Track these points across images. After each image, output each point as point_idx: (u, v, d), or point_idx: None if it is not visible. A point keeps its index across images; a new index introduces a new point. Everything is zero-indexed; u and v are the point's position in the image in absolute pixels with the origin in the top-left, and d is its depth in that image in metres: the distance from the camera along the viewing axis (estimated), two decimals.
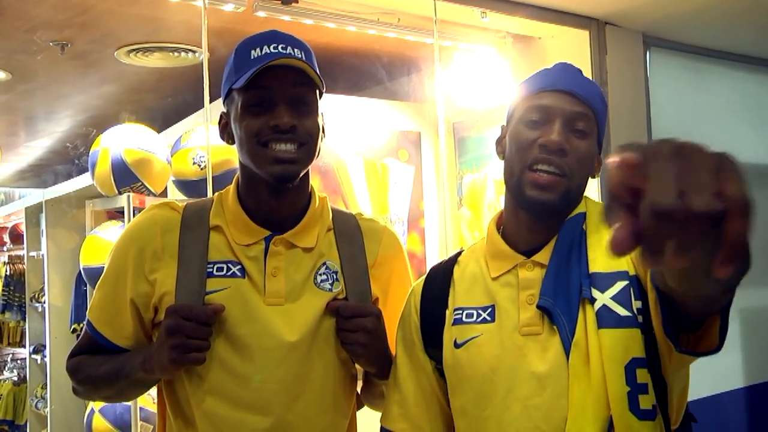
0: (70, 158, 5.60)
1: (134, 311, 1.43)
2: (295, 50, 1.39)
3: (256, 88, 1.36)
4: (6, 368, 6.11)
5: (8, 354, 6.12)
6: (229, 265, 1.41)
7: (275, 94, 1.36)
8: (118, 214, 3.25)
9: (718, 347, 1.09)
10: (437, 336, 1.41)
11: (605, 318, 1.22)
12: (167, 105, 4.14)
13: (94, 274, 2.82)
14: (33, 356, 5.11)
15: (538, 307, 1.28)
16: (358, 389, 1.58)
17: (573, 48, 3.23)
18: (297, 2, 2.82)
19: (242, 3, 2.72)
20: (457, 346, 1.36)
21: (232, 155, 2.86)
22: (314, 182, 1.52)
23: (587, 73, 3.16)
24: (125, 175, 2.86)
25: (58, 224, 4.54)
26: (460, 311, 1.38)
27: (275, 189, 1.42)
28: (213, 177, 2.67)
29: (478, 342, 1.33)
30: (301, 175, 1.42)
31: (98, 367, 1.47)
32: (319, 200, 1.51)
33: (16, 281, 5.66)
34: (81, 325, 4.08)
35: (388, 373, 1.48)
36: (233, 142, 1.44)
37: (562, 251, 1.31)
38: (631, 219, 0.63)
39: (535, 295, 1.30)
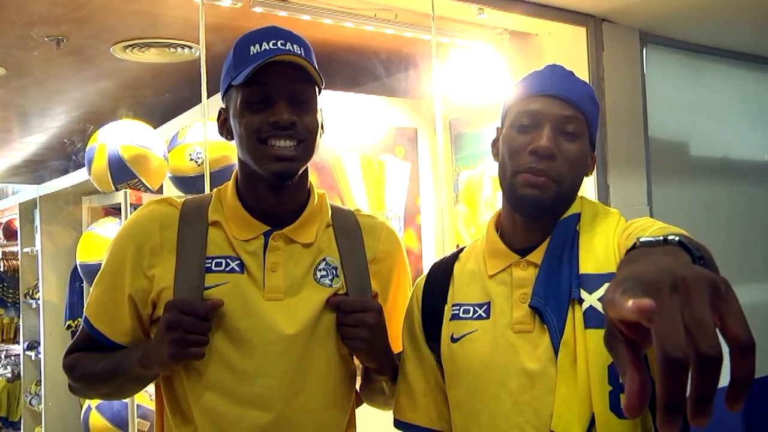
0: (64, 154, 5.59)
1: (132, 307, 1.43)
2: (295, 46, 1.38)
3: (255, 84, 1.35)
4: (0, 365, 6.09)
5: (2, 350, 6.10)
6: (228, 260, 1.41)
7: (274, 90, 1.36)
8: (113, 211, 3.24)
9: None
10: (437, 330, 1.45)
11: (591, 318, 1.26)
12: (163, 101, 4.13)
13: (91, 270, 2.81)
14: (27, 353, 5.10)
15: (530, 306, 1.33)
16: (357, 387, 1.59)
17: (570, 45, 3.23)
18: None
19: None
20: (453, 340, 1.41)
21: (229, 151, 2.86)
22: (311, 178, 1.52)
23: (584, 69, 3.17)
24: (122, 172, 2.85)
25: (52, 220, 4.52)
26: (458, 307, 1.43)
27: (274, 186, 1.42)
28: (210, 173, 2.66)
29: (473, 337, 1.38)
30: (301, 171, 1.42)
31: (95, 364, 1.46)
32: (318, 196, 1.51)
33: (10, 278, 5.65)
34: (76, 321, 4.08)
35: (388, 368, 1.51)
36: (232, 138, 1.44)
37: (555, 251, 1.35)
38: (638, 370, 0.68)
39: (528, 293, 1.34)
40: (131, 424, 2.75)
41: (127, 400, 2.78)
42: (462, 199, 3.66)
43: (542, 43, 3.36)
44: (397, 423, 1.51)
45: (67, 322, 4.03)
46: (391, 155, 3.51)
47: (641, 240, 0.93)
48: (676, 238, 0.91)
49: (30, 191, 5.05)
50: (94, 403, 2.90)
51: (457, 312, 1.42)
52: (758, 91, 4.04)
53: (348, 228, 1.53)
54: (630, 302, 0.67)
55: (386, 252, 1.55)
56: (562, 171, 1.33)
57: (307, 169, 1.45)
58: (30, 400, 5.10)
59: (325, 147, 3.45)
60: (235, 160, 2.82)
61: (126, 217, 2.81)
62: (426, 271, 1.59)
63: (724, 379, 0.65)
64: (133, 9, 2.94)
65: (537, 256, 1.37)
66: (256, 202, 1.45)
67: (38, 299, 4.64)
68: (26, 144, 5.59)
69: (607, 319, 0.73)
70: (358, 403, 1.62)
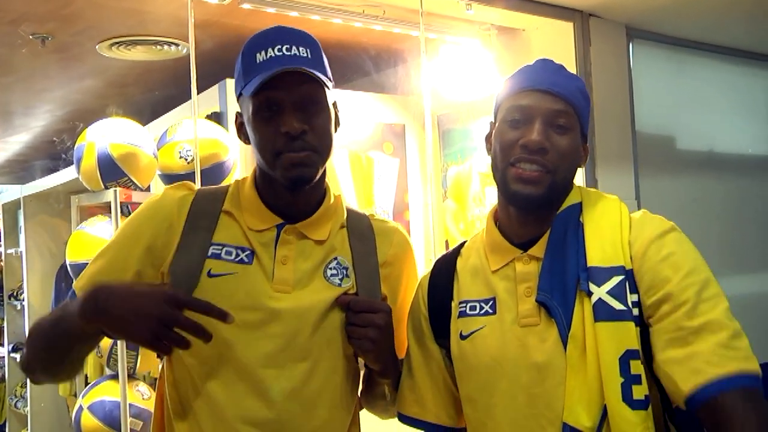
0: (49, 153, 5.54)
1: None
2: (300, 49, 1.39)
3: (264, 93, 1.37)
4: None
5: None
6: (239, 250, 1.42)
7: (283, 98, 1.37)
8: (97, 210, 3.22)
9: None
10: (445, 326, 1.47)
11: (601, 311, 1.28)
12: (151, 98, 4.10)
13: (82, 269, 2.78)
14: (12, 355, 5.05)
15: (536, 301, 1.35)
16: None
17: (557, 40, 3.24)
18: None
19: None
20: (462, 338, 1.43)
21: (219, 149, 2.85)
22: None
23: (571, 64, 3.18)
24: (111, 170, 2.82)
25: (36, 221, 4.49)
26: (465, 304, 1.45)
27: (291, 189, 1.44)
28: (201, 171, 2.65)
29: (482, 334, 1.40)
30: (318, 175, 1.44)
31: (43, 327, 1.41)
32: (334, 197, 1.53)
33: None
34: None
35: (392, 371, 1.52)
36: (249, 143, 1.46)
37: (557, 244, 1.37)
38: None
39: (532, 287, 1.37)
40: (124, 424, 2.73)
41: (119, 399, 2.76)
42: (450, 195, 3.66)
43: (530, 38, 3.37)
44: (402, 417, 1.53)
45: None
46: (379, 151, 3.51)
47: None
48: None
49: (14, 191, 5.01)
50: (86, 402, 2.87)
51: (464, 309, 1.44)
52: (744, 85, 4.07)
53: (362, 230, 1.54)
54: None
55: (397, 256, 1.57)
56: (555, 162, 1.35)
57: (324, 169, 1.47)
58: (15, 402, 5.06)
59: None
60: (224, 158, 2.83)
61: (116, 216, 2.79)
62: (419, 267, 1.62)
63: None
64: (119, 6, 2.92)
65: (539, 249, 1.39)
66: (273, 197, 1.46)
67: (23, 300, 4.60)
68: (9, 144, 5.53)
69: None
70: (360, 407, 1.62)
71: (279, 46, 1.38)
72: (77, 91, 4.10)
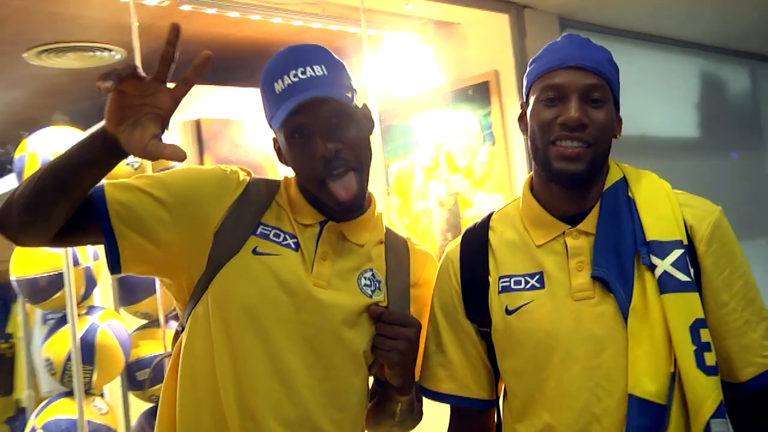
0: None
1: (170, 227, 1.37)
2: (315, 68, 1.39)
3: (290, 121, 1.38)
4: None
5: None
6: (287, 235, 1.44)
7: (310, 123, 1.38)
8: None
9: None
10: (480, 302, 1.48)
11: (668, 283, 1.33)
12: (89, 106, 3.98)
13: (31, 284, 2.66)
14: None
15: (593, 277, 1.37)
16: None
17: (493, 32, 3.30)
18: None
19: None
20: (509, 312, 1.44)
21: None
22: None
23: (508, 56, 3.23)
24: None
25: None
26: (507, 278, 1.46)
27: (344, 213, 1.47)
28: None
29: (531, 308, 1.42)
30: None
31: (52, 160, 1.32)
32: (376, 212, 1.55)
33: None
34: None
35: (409, 389, 1.51)
36: (290, 165, 1.47)
37: (609, 220, 1.41)
38: None
39: (584, 261, 1.40)
40: None
41: (75, 417, 2.67)
42: (393, 190, 3.69)
43: (466, 31, 3.42)
44: (431, 394, 1.53)
45: None
46: None
47: None
48: None
49: None
50: (39, 423, 2.76)
51: (508, 284, 1.45)
52: (672, 71, 4.22)
53: (398, 249, 1.56)
54: None
55: (427, 281, 1.58)
56: (595, 135, 1.38)
57: (367, 179, 1.48)
58: None
59: (256, 147, 3.42)
60: (171, 163, 2.75)
61: None
62: None
63: None
64: (49, 11, 2.82)
65: (588, 224, 1.42)
66: (315, 200, 1.47)
67: None
68: None
69: None
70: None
71: (294, 71, 1.37)
72: (6, 102, 3.95)
